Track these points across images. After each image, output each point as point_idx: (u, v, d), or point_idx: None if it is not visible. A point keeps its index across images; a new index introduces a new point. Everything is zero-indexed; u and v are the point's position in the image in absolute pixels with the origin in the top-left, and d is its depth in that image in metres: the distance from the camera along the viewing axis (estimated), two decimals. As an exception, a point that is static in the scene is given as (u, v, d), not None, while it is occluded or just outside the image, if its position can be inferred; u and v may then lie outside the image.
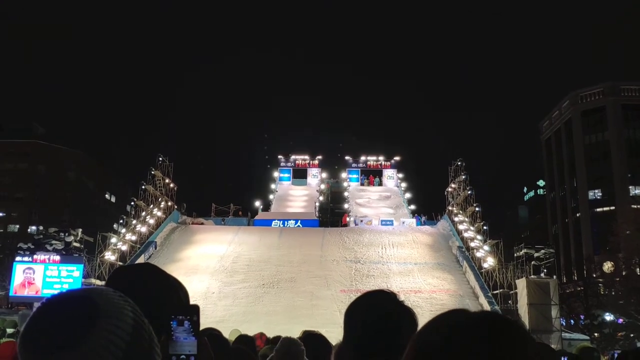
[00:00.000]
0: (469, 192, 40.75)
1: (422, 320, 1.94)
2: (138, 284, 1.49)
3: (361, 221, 43.91)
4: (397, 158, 59.66)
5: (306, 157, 59.97)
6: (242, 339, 5.10)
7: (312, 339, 3.95)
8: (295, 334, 7.90)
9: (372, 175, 58.56)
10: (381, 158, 59.45)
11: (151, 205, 40.79)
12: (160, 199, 42.37)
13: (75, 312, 1.01)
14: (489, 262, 33.47)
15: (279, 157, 59.97)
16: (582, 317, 43.38)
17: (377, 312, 1.86)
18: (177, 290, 1.61)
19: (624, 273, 44.85)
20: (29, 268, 30.58)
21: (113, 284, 1.49)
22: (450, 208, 43.45)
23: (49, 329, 0.99)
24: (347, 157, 59.45)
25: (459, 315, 0.97)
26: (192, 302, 1.57)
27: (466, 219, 39.00)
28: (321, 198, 52.27)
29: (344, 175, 58.31)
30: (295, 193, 55.67)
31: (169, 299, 1.51)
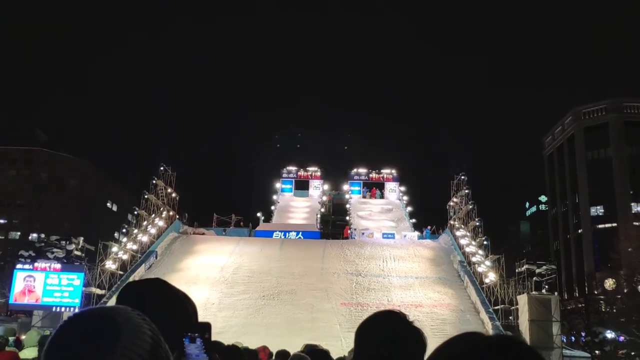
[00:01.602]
0: (471, 207, 40.72)
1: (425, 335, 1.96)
2: (149, 299, 1.51)
3: (362, 234, 43.83)
4: (399, 171, 59.72)
5: (308, 168, 60.03)
6: (246, 352, 5.09)
7: (316, 355, 3.94)
8: (296, 346, 7.89)
9: (374, 188, 58.55)
10: (383, 171, 59.48)
11: (153, 215, 40.81)
12: (162, 209, 42.40)
13: (96, 331, 1.04)
14: (491, 278, 33.38)
15: (282, 168, 60.05)
16: (583, 334, 43.19)
17: (387, 333, 1.89)
18: (186, 305, 1.63)
19: (625, 290, 44.70)
20: (30, 276, 30.55)
21: (124, 299, 1.51)
22: (451, 222, 43.40)
23: (71, 348, 1.02)
24: (349, 170, 59.55)
25: (474, 338, 0.98)
26: None
27: (468, 234, 38.94)
28: (323, 210, 52.25)
29: (345, 187, 58.33)
30: (297, 204, 55.64)
31: (179, 315, 1.53)
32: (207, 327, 1.37)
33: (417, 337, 1.90)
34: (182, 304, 1.60)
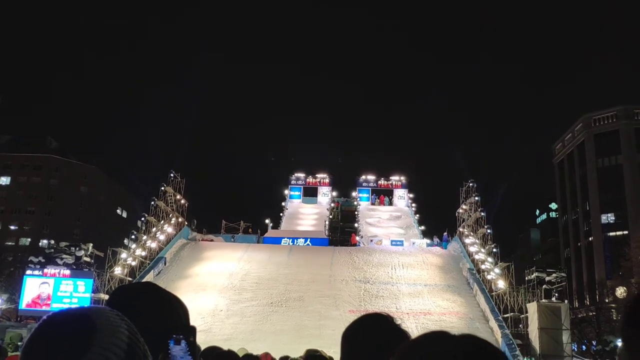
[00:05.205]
0: (481, 214, 40.53)
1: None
2: (138, 302, 1.54)
3: (371, 241, 43.75)
4: (408, 178, 59.61)
5: (317, 175, 60.07)
6: (248, 358, 5.08)
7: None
8: (302, 354, 7.85)
9: (382, 195, 58.48)
10: (392, 178, 59.41)
11: (162, 221, 40.98)
12: (170, 215, 42.58)
13: (72, 330, 1.06)
14: (500, 285, 33.18)
15: (290, 175, 60.13)
16: (594, 342, 42.81)
17: (372, 336, 1.86)
18: (177, 308, 1.64)
19: (637, 299, 44.25)
20: (45, 282, 30.74)
21: (114, 302, 1.52)
22: (461, 229, 43.22)
23: (47, 347, 1.04)
24: (357, 177, 59.52)
25: (437, 337, 0.98)
26: (199, 319, 1.61)
27: (477, 241, 38.75)
28: (331, 216, 52.23)
29: (354, 194, 58.29)
30: (306, 211, 55.67)
31: (169, 318, 1.54)
32: (192, 330, 1.39)
33: (403, 340, 1.87)
34: (173, 308, 1.60)
